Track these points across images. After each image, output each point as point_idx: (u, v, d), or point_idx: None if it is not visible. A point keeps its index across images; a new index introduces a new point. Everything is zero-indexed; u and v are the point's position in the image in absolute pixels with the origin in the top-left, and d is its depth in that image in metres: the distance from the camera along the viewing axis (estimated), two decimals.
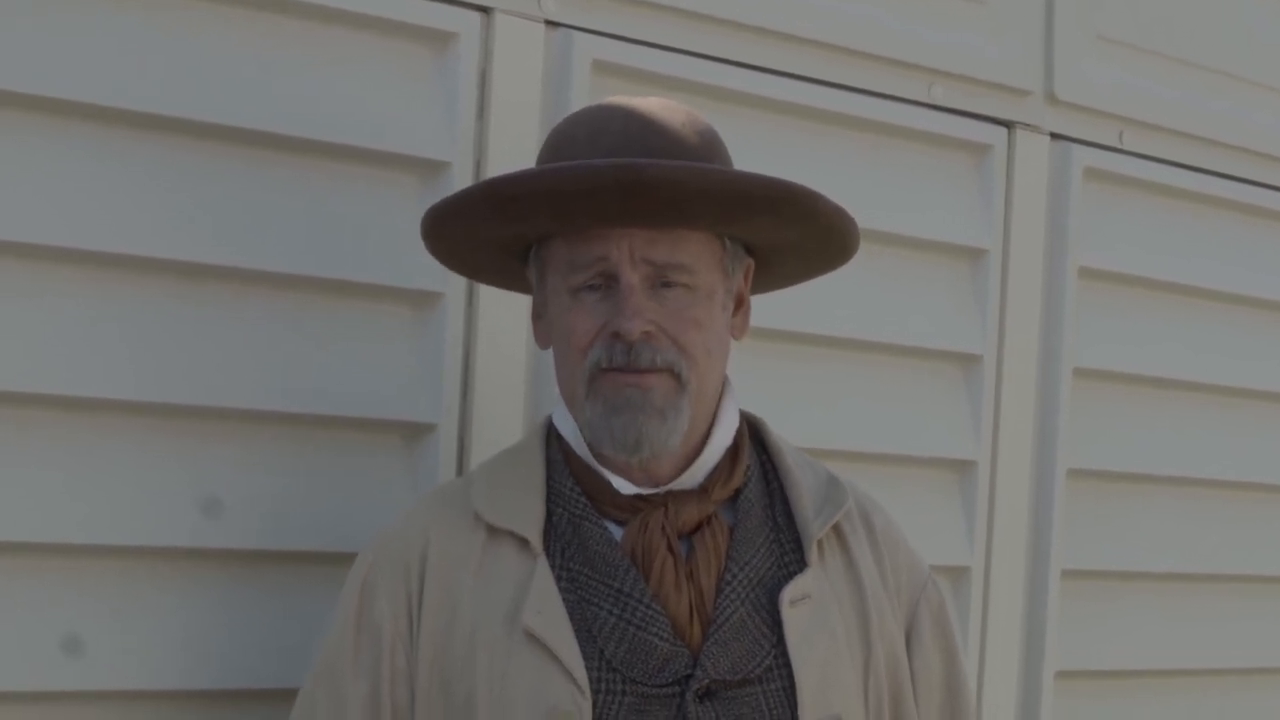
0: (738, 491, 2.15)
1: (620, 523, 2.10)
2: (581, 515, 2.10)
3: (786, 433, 2.28)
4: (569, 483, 2.12)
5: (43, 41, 2.16)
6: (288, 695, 2.16)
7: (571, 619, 2.04)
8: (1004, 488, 3.09)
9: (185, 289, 2.27)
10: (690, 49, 2.70)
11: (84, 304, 2.20)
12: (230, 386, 2.29)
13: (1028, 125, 3.13)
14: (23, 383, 2.15)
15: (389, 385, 2.41)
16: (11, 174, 2.15)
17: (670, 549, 2.07)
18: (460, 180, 2.44)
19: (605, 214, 2.02)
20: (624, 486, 2.09)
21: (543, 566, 2.06)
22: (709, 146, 2.10)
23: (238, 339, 2.30)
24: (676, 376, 2.06)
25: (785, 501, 2.18)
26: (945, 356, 3.03)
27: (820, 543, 2.16)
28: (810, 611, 2.10)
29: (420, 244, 2.21)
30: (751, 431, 2.22)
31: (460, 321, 2.46)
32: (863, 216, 2.26)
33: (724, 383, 2.17)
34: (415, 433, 2.44)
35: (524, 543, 2.08)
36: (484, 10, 2.50)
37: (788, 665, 2.07)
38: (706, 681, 2.04)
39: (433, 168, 2.45)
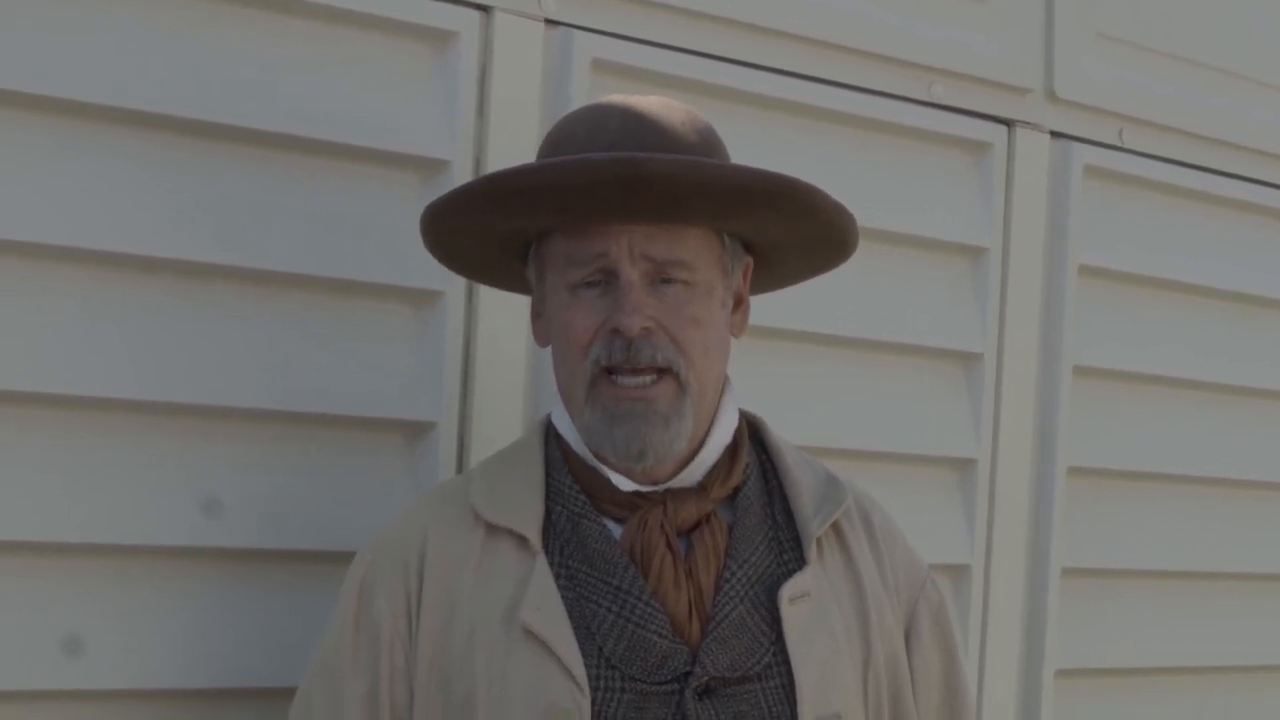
0: (737, 490, 2.15)
1: (619, 520, 2.10)
2: (580, 513, 2.10)
3: (787, 431, 2.28)
4: (568, 480, 2.12)
5: (43, 40, 2.16)
6: (288, 694, 2.17)
7: (570, 616, 2.04)
8: (1004, 486, 3.09)
9: (185, 288, 2.27)
10: (690, 47, 2.70)
11: (84, 303, 2.20)
12: (230, 385, 2.29)
13: (1028, 123, 3.13)
14: (23, 382, 2.15)
15: (389, 384, 2.41)
16: (12, 173, 2.15)
17: (669, 546, 2.07)
18: (460, 179, 2.43)
19: (605, 209, 2.02)
20: (623, 484, 2.09)
21: (541, 564, 2.06)
22: (708, 144, 2.11)
23: (238, 338, 2.30)
24: (676, 377, 2.06)
25: (784, 500, 2.18)
26: (945, 355, 3.03)
27: (819, 541, 2.16)
28: (809, 609, 2.10)
29: (420, 243, 2.21)
30: (751, 430, 2.22)
31: (460, 320, 2.46)
32: (863, 215, 2.26)
33: (724, 381, 2.17)
34: (415, 431, 2.44)
35: (523, 540, 2.08)
36: (484, 9, 2.50)
37: (787, 663, 2.07)
38: (705, 679, 2.04)
39: (433, 166, 2.45)
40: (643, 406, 2.05)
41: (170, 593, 2.26)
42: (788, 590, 2.10)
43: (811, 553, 2.14)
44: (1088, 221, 3.21)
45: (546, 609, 2.04)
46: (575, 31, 2.56)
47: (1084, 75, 3.18)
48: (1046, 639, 3.13)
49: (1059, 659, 3.16)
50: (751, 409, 2.25)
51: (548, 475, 2.13)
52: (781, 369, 2.81)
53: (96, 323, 2.21)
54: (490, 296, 2.47)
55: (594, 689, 2.02)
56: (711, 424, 2.14)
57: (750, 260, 2.18)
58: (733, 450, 2.16)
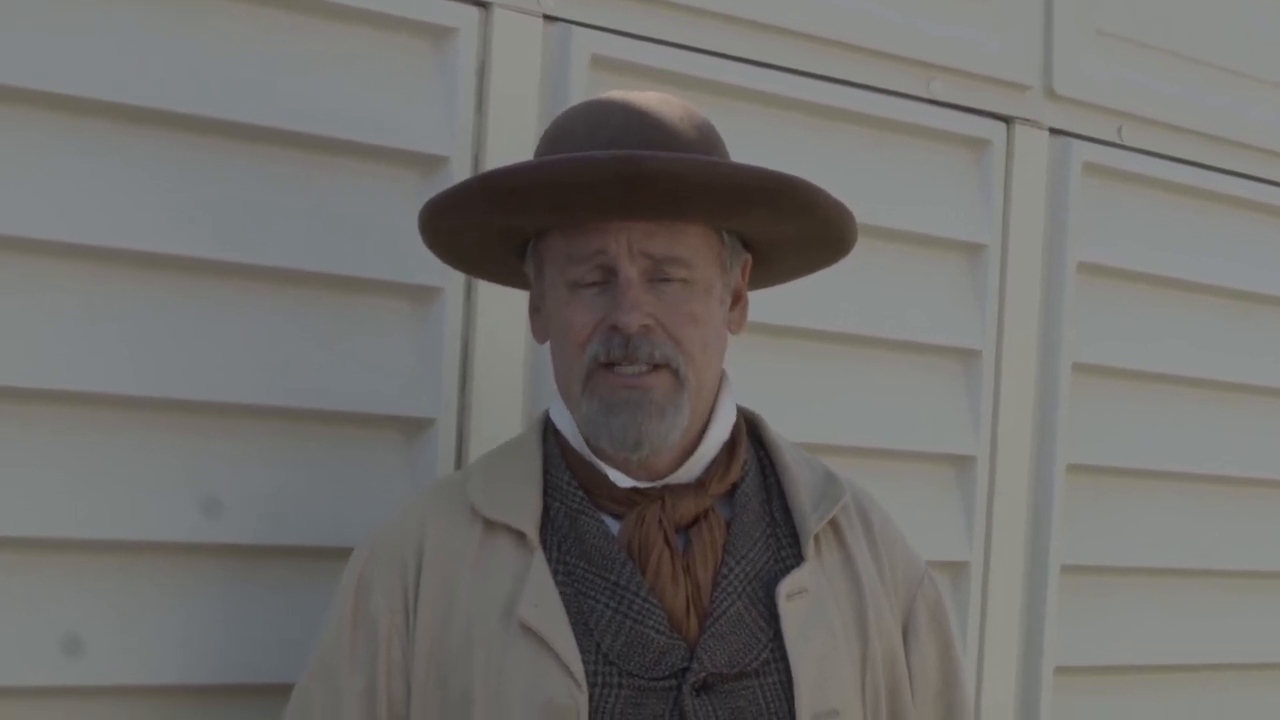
0: (735, 486, 2.15)
1: (617, 516, 2.10)
2: (578, 509, 2.10)
3: (786, 428, 2.28)
4: (565, 476, 2.12)
5: (43, 37, 2.16)
6: (287, 690, 2.16)
7: (568, 612, 2.04)
8: (1003, 483, 3.09)
9: (185, 284, 2.27)
10: (688, 44, 2.70)
11: (84, 299, 2.20)
12: (230, 382, 2.29)
13: (1027, 120, 3.13)
14: (23, 378, 2.15)
15: (388, 380, 2.41)
16: (12, 169, 2.15)
17: (667, 542, 2.07)
18: (459, 175, 2.43)
19: (604, 206, 2.02)
20: (621, 480, 2.09)
21: (539, 560, 2.06)
22: (707, 140, 2.11)
23: (237, 334, 2.30)
24: (674, 373, 2.06)
25: (782, 496, 2.18)
26: (944, 352, 3.03)
27: (817, 538, 2.16)
28: (807, 606, 2.10)
29: (419, 239, 2.21)
30: (749, 427, 2.22)
31: (459, 316, 2.46)
32: (862, 211, 2.26)
33: (721, 378, 2.17)
34: (414, 428, 2.44)
35: (520, 536, 2.08)
36: (482, 5, 2.50)
37: (785, 659, 2.07)
38: (703, 674, 2.04)
39: (431, 162, 2.45)
40: (639, 395, 2.05)
41: (170, 589, 2.26)
42: (785, 586, 2.10)
43: (809, 549, 2.14)
44: (1087, 218, 3.21)
45: (544, 605, 2.04)
46: (574, 27, 2.56)
47: (1083, 72, 3.18)
48: (1045, 636, 3.13)
49: (1058, 656, 3.16)
50: (751, 406, 2.25)
51: (545, 471, 2.13)
52: (781, 366, 2.81)
53: (96, 319, 2.21)
54: (489, 293, 2.47)
55: (592, 685, 2.02)
56: (709, 420, 2.14)
57: (749, 257, 2.18)
58: (730, 447, 2.16)
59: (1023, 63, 3.11)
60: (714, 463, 2.14)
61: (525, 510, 2.09)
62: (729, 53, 2.75)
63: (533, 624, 2.03)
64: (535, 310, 2.18)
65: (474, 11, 2.49)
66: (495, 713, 2.01)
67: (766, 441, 2.22)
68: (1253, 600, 3.49)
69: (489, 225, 2.13)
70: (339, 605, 2.10)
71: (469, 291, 2.47)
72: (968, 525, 3.04)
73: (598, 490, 2.11)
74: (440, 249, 2.23)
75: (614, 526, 2.10)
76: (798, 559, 2.14)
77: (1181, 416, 3.36)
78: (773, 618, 2.09)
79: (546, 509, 2.11)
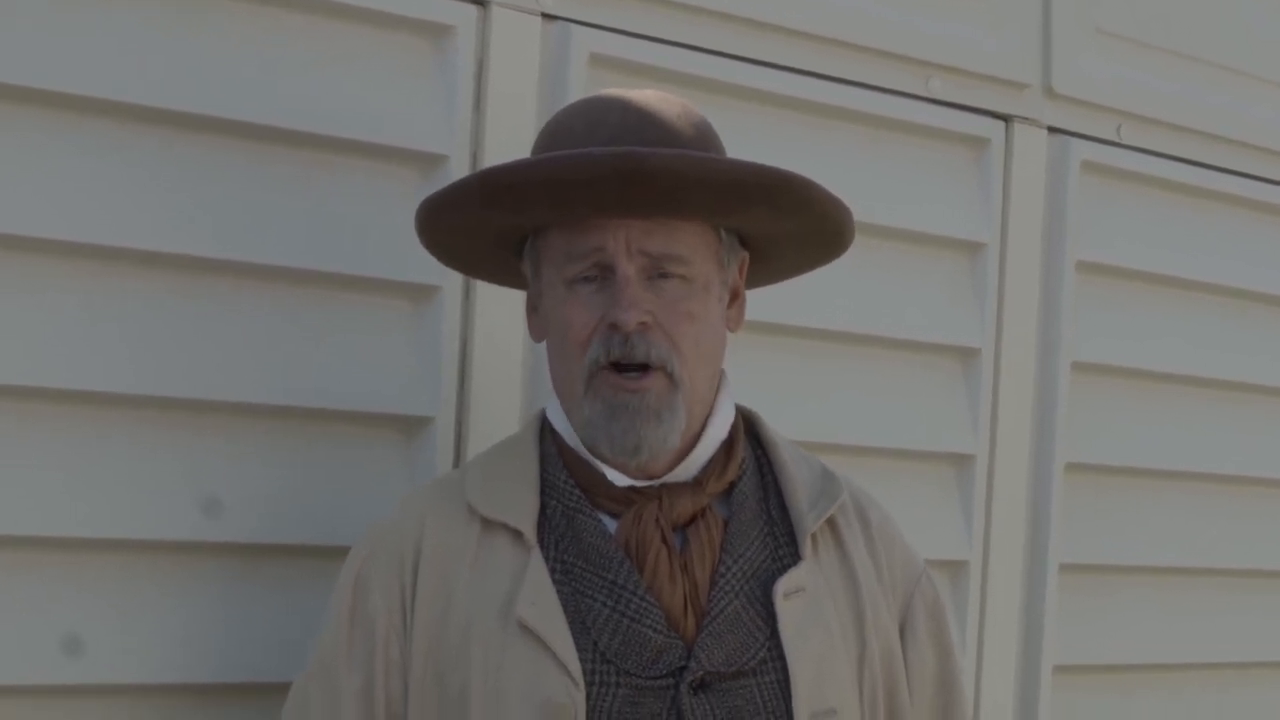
0: (732, 485, 2.15)
1: (614, 515, 2.10)
2: (575, 508, 2.10)
3: (784, 427, 2.28)
4: (563, 475, 2.12)
5: (43, 36, 2.16)
6: (286, 689, 2.16)
7: (565, 611, 2.04)
8: (1002, 482, 3.09)
9: (184, 283, 2.27)
10: (687, 42, 2.70)
11: (84, 298, 2.20)
12: (229, 380, 2.29)
13: (1026, 119, 3.13)
14: (22, 377, 2.15)
15: (386, 379, 2.41)
16: (11, 168, 2.15)
17: (664, 541, 2.07)
18: (458, 173, 2.43)
19: (603, 203, 2.02)
20: (618, 479, 2.09)
21: (537, 559, 2.06)
22: (704, 138, 2.11)
23: (236, 333, 2.30)
24: (669, 375, 2.06)
25: (780, 495, 2.18)
26: (943, 350, 3.03)
27: (814, 536, 2.15)
28: (804, 605, 2.10)
29: (417, 238, 2.21)
30: (746, 425, 2.22)
31: (457, 315, 2.46)
32: (860, 210, 2.26)
33: (719, 376, 2.16)
34: (412, 426, 2.44)
35: (518, 535, 2.08)
36: (481, 3, 2.49)
37: (782, 658, 2.07)
38: (700, 673, 2.04)
39: (430, 161, 2.45)
40: (636, 400, 2.04)
41: (169, 588, 2.26)
42: (783, 585, 2.10)
43: (806, 548, 2.14)
44: (1086, 217, 3.21)
45: (542, 604, 2.04)
46: (573, 26, 2.56)
47: (1082, 71, 3.18)
48: (1044, 635, 3.13)
49: (1057, 655, 3.16)
50: (749, 404, 2.25)
51: (543, 470, 2.13)
52: (779, 364, 2.81)
53: (96, 318, 2.21)
54: (487, 292, 2.47)
55: (589, 684, 2.02)
56: (707, 419, 2.14)
57: (746, 255, 2.18)
58: (728, 445, 2.16)
59: (1021, 61, 3.11)
60: (711, 461, 2.14)
61: (523, 509, 2.09)
62: (727, 51, 2.75)
63: (530, 623, 2.02)
64: (532, 309, 2.18)
65: (472, 10, 2.48)
66: (493, 711, 2.01)
67: (764, 440, 2.22)
68: (1252, 599, 3.49)
69: (487, 223, 2.13)
70: (337, 604, 2.10)
71: (468, 290, 2.47)
72: (967, 524, 3.04)
73: (595, 489, 2.11)
74: (437, 248, 2.23)
75: (611, 525, 2.10)
76: (795, 558, 2.14)
77: (1181, 415, 3.36)
78: (770, 617, 2.09)
79: (544, 508, 2.11)
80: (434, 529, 2.09)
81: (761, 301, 2.34)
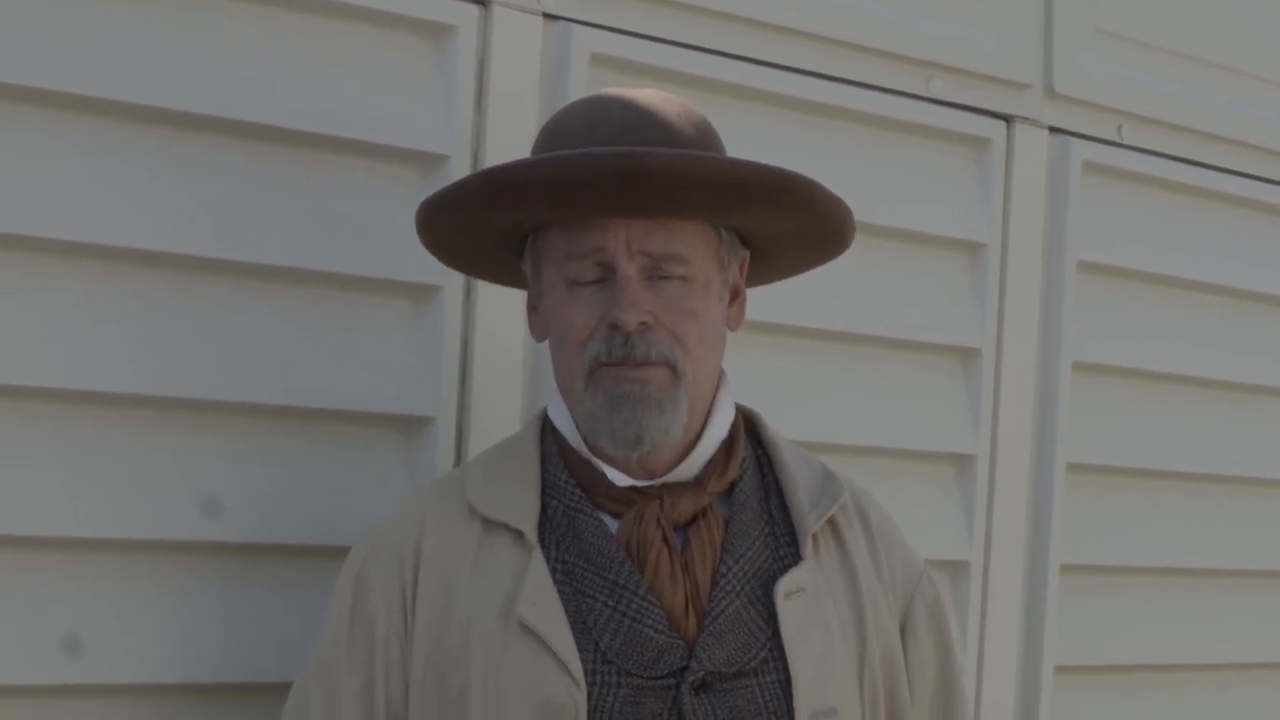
0: (733, 484, 2.15)
1: (615, 515, 2.10)
2: (576, 507, 2.10)
3: (785, 427, 2.28)
4: (564, 475, 2.12)
5: (43, 36, 2.16)
6: (286, 689, 2.16)
7: (566, 611, 2.04)
8: (1003, 482, 3.09)
9: (185, 283, 2.27)
10: (688, 42, 2.70)
11: (84, 298, 2.20)
12: (229, 380, 2.29)
13: (1027, 119, 3.12)
14: (23, 377, 2.15)
15: (387, 379, 2.41)
16: (11, 168, 2.15)
17: (665, 541, 2.07)
18: (459, 173, 2.43)
19: (603, 203, 2.02)
20: (619, 479, 2.09)
21: (538, 559, 2.06)
22: (704, 137, 2.10)
23: (236, 333, 2.30)
24: (672, 369, 2.06)
25: (780, 495, 2.18)
26: (944, 350, 3.03)
27: (815, 536, 2.15)
28: (805, 605, 2.10)
29: (418, 237, 2.21)
30: (747, 425, 2.22)
31: (458, 315, 2.46)
32: (861, 210, 2.26)
33: (720, 375, 2.16)
34: (413, 426, 2.44)
35: (519, 535, 2.08)
36: (482, 3, 2.49)
37: (783, 658, 2.07)
38: (702, 673, 2.04)
39: (431, 161, 2.45)
40: (638, 389, 2.04)
41: (169, 588, 2.26)
42: (783, 585, 2.10)
43: (807, 548, 2.14)
44: (1087, 217, 3.20)
45: (543, 604, 2.04)
46: (574, 26, 2.56)
47: (1083, 71, 3.18)
48: (1045, 635, 3.13)
49: (1058, 655, 3.16)
50: (750, 404, 2.25)
51: (543, 470, 2.13)
52: (780, 364, 2.81)
53: (97, 318, 2.21)
54: (488, 291, 2.46)
55: (590, 684, 2.02)
56: (707, 418, 2.14)
57: (747, 253, 2.18)
58: (729, 445, 2.16)
59: (1022, 61, 3.10)
60: (712, 461, 2.14)
61: (523, 509, 2.09)
62: (729, 51, 2.75)
63: (531, 623, 2.02)
64: (533, 309, 2.18)
65: (474, 9, 2.48)
66: (493, 712, 2.01)
67: (765, 440, 2.22)
68: (1253, 599, 3.49)
69: (487, 223, 2.13)
70: (337, 604, 2.10)
71: (468, 290, 2.47)
72: (967, 524, 3.04)
73: (596, 489, 2.11)
74: (438, 248, 2.23)
75: (612, 525, 2.09)
76: (796, 558, 2.14)
77: (1181, 415, 3.36)
78: (771, 617, 2.09)
79: (544, 508, 2.11)
80: (434, 529, 2.09)
81: (762, 301, 2.34)
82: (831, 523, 2.18)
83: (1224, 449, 3.42)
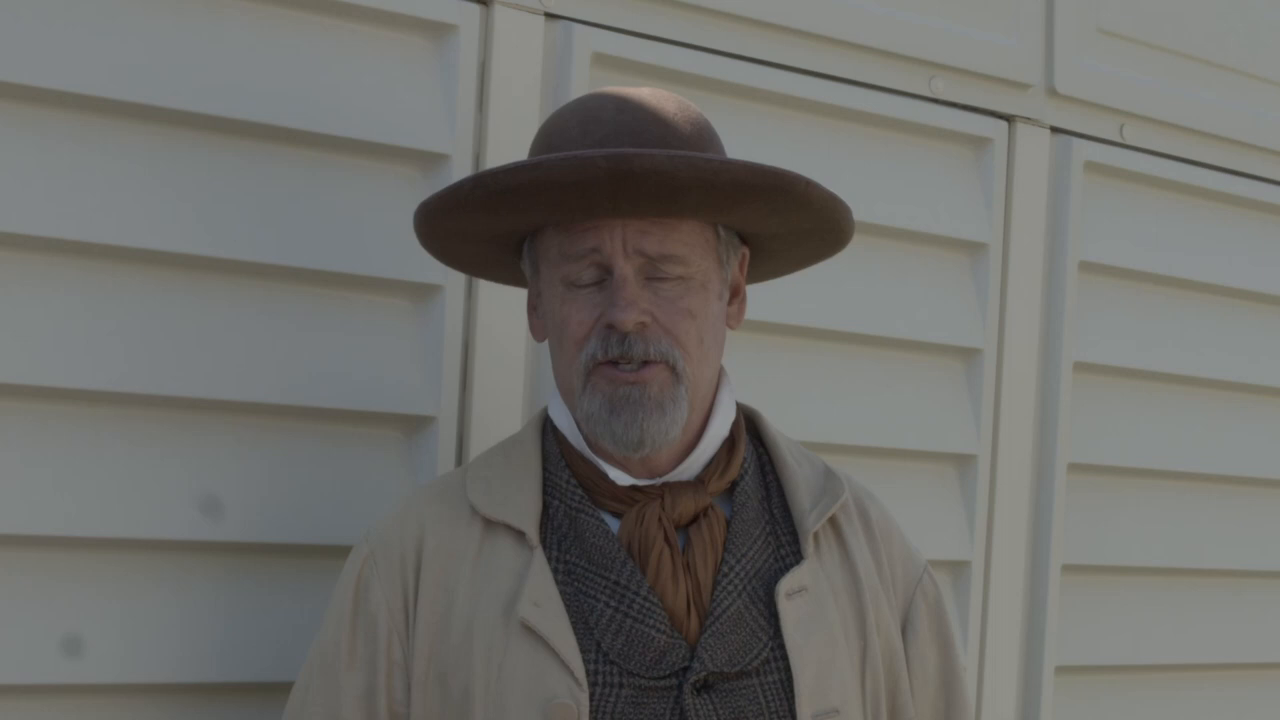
0: (734, 484, 2.15)
1: (616, 514, 2.09)
2: (578, 507, 2.10)
3: (786, 426, 2.28)
4: (565, 474, 2.12)
5: (41, 33, 2.16)
6: (286, 688, 2.17)
7: (568, 611, 2.04)
8: (1004, 482, 3.09)
9: (184, 281, 2.27)
10: (690, 42, 2.70)
11: (84, 296, 2.20)
12: (230, 379, 2.29)
13: (1028, 119, 3.12)
14: (22, 375, 2.15)
15: (388, 377, 2.41)
16: (12, 166, 2.14)
17: (667, 540, 2.07)
18: (460, 172, 2.44)
19: (597, 205, 2.02)
20: (620, 478, 2.09)
21: (539, 559, 2.06)
22: (701, 136, 2.10)
23: (237, 332, 2.30)
24: (671, 368, 2.05)
25: (782, 494, 2.17)
26: (945, 350, 3.03)
27: (816, 535, 2.15)
28: (806, 604, 2.10)
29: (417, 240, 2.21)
30: (748, 424, 2.22)
31: (459, 314, 2.46)
32: (863, 210, 2.26)
33: (720, 374, 2.16)
34: (414, 425, 2.44)
35: (520, 535, 2.08)
36: (483, 2, 2.49)
37: (785, 657, 2.07)
38: (704, 673, 2.04)
39: (432, 160, 2.45)
40: (638, 392, 2.04)
41: (169, 587, 2.26)
42: (785, 585, 2.10)
43: (808, 547, 2.13)
44: (1088, 217, 3.20)
45: (545, 604, 2.03)
46: (575, 25, 2.56)
47: (1084, 71, 3.18)
48: (1046, 635, 3.13)
49: (1059, 655, 3.16)
50: (751, 403, 2.25)
51: (545, 469, 2.13)
52: (781, 364, 2.81)
53: (97, 316, 2.21)
54: (489, 290, 2.46)
55: (593, 684, 2.02)
56: (708, 417, 2.13)
57: (746, 251, 2.17)
58: (730, 444, 2.16)
59: (1024, 61, 3.10)
60: (713, 460, 2.14)
61: (525, 509, 2.09)
62: (730, 51, 2.75)
63: (533, 623, 2.02)
64: (533, 309, 2.18)
65: (475, 9, 2.48)
66: (496, 712, 2.01)
67: (766, 438, 2.22)
68: (1254, 599, 3.49)
69: (483, 226, 2.12)
70: (338, 604, 2.10)
71: (469, 289, 2.47)
72: (969, 524, 3.04)
73: (597, 488, 2.10)
74: (436, 251, 2.22)
75: (613, 524, 2.09)
76: (797, 557, 2.13)
77: (1183, 415, 3.36)
78: (772, 616, 2.09)
79: (546, 507, 2.11)
80: (435, 529, 2.09)
81: (764, 301, 2.34)
82: (833, 521, 2.18)
83: (1225, 449, 3.42)
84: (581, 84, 2.54)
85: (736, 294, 2.17)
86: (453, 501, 2.12)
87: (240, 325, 2.30)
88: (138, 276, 2.24)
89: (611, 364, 2.05)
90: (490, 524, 2.09)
